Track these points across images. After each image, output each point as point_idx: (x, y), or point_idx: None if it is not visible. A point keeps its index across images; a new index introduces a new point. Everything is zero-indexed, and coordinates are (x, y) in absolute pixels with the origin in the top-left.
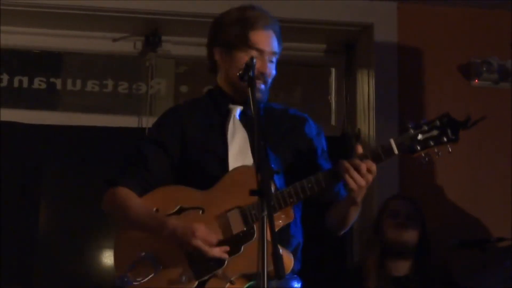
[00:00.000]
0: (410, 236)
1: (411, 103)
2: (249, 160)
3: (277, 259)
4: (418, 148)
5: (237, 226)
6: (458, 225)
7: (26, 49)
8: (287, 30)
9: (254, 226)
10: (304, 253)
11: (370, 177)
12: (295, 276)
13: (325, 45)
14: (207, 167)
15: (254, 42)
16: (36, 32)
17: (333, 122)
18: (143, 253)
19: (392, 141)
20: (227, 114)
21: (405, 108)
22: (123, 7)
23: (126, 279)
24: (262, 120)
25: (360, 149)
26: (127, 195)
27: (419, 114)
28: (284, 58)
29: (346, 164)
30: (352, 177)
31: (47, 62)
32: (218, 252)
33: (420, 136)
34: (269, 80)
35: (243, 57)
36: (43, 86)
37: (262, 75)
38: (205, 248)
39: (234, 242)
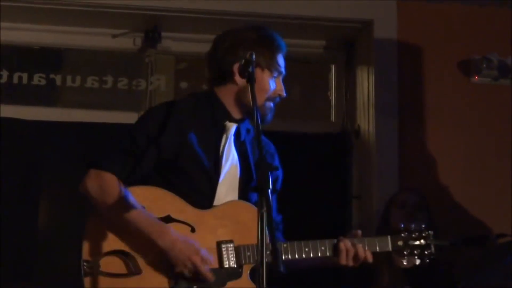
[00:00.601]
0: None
1: (411, 100)
2: (235, 186)
3: (276, 254)
4: (405, 252)
5: (229, 261)
6: (458, 222)
7: (26, 45)
8: (287, 27)
9: (243, 267)
10: None
11: (359, 263)
12: None
13: (324, 42)
14: (194, 181)
15: (279, 65)
16: (36, 28)
17: (332, 118)
18: (124, 250)
19: (389, 240)
20: (223, 130)
21: (404, 105)
22: (123, 3)
23: (96, 267)
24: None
25: (359, 234)
26: (117, 183)
27: (419, 111)
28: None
29: (348, 246)
30: (347, 259)
31: (47, 58)
32: (211, 276)
33: (411, 242)
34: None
35: (267, 78)
36: (43, 82)
37: (279, 97)
38: (203, 268)
39: (221, 275)
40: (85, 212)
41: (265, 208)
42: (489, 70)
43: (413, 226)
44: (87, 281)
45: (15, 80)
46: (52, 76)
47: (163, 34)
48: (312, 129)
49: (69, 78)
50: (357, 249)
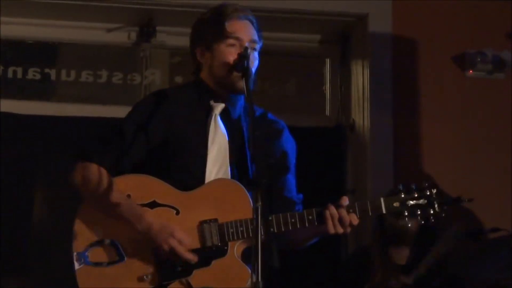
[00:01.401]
0: (408, 223)
1: (406, 94)
2: (226, 165)
3: (270, 248)
4: (406, 214)
5: (212, 239)
6: (453, 216)
7: (20, 39)
8: (282, 21)
9: (229, 244)
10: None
11: (349, 229)
12: None
13: (319, 36)
14: (185, 165)
15: (231, 31)
16: (30, 23)
17: (327, 112)
18: (109, 238)
19: (382, 200)
20: (209, 111)
21: (399, 99)
22: None
23: (84, 258)
24: (246, 119)
25: (346, 201)
26: (102, 173)
27: (414, 105)
28: (278, 48)
29: (333, 211)
30: (334, 225)
31: (41, 52)
32: (191, 256)
33: (409, 202)
34: (253, 69)
35: (223, 49)
36: (38, 76)
37: (244, 63)
38: (180, 249)
39: (204, 254)
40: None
41: (260, 203)
42: (483, 64)
43: (414, 185)
44: (78, 272)
45: (10, 74)
46: (46, 70)
47: (158, 28)
48: (307, 123)
49: (63, 72)
50: (340, 212)
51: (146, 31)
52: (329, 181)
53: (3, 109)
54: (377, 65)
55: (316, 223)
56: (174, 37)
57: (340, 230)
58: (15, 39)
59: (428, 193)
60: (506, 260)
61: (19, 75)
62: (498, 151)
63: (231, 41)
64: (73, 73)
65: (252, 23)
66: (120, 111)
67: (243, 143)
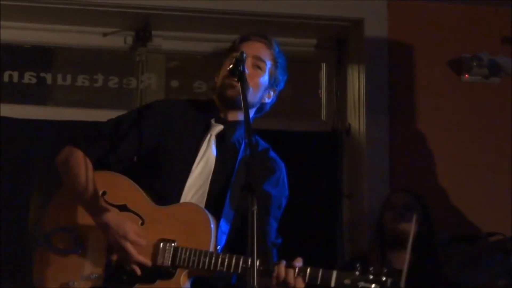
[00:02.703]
0: (407, 227)
1: (402, 99)
2: (204, 188)
3: (267, 253)
4: None
5: (163, 259)
6: (450, 220)
7: (16, 43)
8: (278, 25)
9: (178, 269)
10: (295, 247)
11: None
12: None
13: (315, 40)
14: (166, 176)
15: (237, 47)
16: (26, 27)
17: (323, 117)
18: (72, 226)
19: (334, 274)
20: (207, 130)
21: (395, 104)
22: (114, 2)
23: (46, 240)
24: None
25: (299, 262)
26: (84, 161)
27: (410, 109)
28: None
29: (280, 271)
30: (277, 283)
31: (38, 56)
32: (142, 259)
33: (360, 283)
34: (253, 88)
35: (226, 62)
36: (33, 80)
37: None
38: (132, 250)
39: (152, 271)
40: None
41: (255, 207)
42: (479, 69)
43: (372, 268)
44: (36, 253)
45: (6, 78)
46: (42, 74)
47: (154, 32)
48: (303, 128)
49: (59, 76)
50: (288, 274)
51: (142, 35)
52: (325, 186)
53: None
54: (373, 70)
55: (262, 276)
56: (170, 41)
57: None
58: (11, 43)
59: (383, 280)
60: (502, 264)
61: (15, 79)
62: (495, 156)
63: (234, 54)
64: (69, 77)
65: (269, 47)
66: (116, 115)
67: (232, 168)
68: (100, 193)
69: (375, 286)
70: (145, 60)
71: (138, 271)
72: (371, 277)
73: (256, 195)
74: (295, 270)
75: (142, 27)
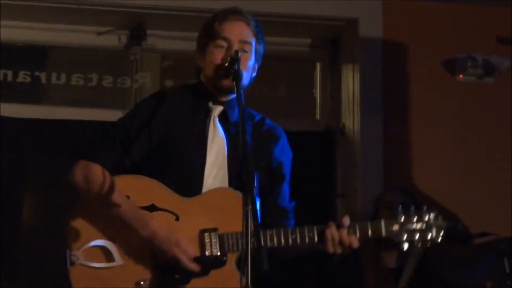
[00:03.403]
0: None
1: (396, 98)
2: (224, 170)
3: (260, 252)
4: (404, 238)
5: (212, 249)
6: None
7: (11, 42)
8: (273, 25)
9: (228, 255)
10: None
11: (348, 250)
12: None
13: (310, 40)
14: (182, 166)
15: (219, 32)
16: (21, 26)
17: (317, 116)
18: (106, 240)
19: (382, 223)
20: (208, 113)
21: (389, 103)
22: (108, 0)
23: (78, 257)
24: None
25: (347, 221)
26: (104, 174)
27: (404, 109)
28: (269, 52)
29: (333, 233)
30: (333, 245)
31: (32, 55)
32: (195, 266)
33: (408, 226)
34: (244, 71)
35: (211, 50)
36: (28, 79)
37: (232, 63)
38: (185, 259)
39: (203, 264)
40: (69, 208)
41: (250, 206)
42: (473, 69)
43: (412, 208)
44: (72, 271)
45: (0, 77)
46: (37, 73)
47: (148, 31)
48: (297, 127)
49: (54, 75)
50: (341, 234)
51: (137, 34)
52: (319, 185)
53: None
54: (367, 69)
55: (316, 241)
56: (164, 40)
57: (339, 250)
58: (5, 42)
59: (426, 218)
60: (495, 264)
61: (9, 78)
62: (489, 155)
63: (219, 41)
64: (63, 76)
65: (248, 24)
66: (110, 115)
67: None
68: (135, 204)
69: (421, 225)
70: (140, 59)
71: (196, 269)
72: (415, 218)
73: (250, 195)
74: (346, 228)
75: (137, 26)
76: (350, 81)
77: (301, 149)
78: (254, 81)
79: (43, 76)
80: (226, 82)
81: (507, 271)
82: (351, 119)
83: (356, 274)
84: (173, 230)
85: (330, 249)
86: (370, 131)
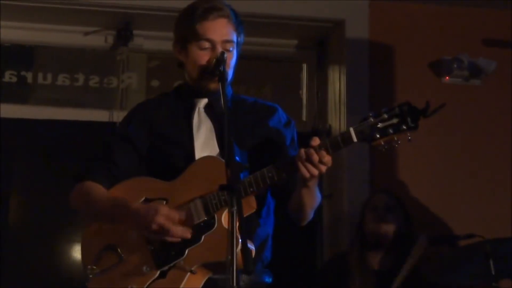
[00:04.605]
0: (388, 228)
1: (382, 100)
2: (214, 150)
3: (246, 254)
4: (377, 136)
5: (199, 216)
6: (429, 221)
7: None
8: (259, 26)
9: (215, 216)
10: (275, 247)
11: (322, 168)
12: (266, 270)
13: (296, 41)
14: (174, 159)
15: (202, 33)
16: (7, 25)
17: (304, 117)
18: (106, 244)
19: (351, 129)
20: (192, 106)
21: (376, 105)
22: (95, 1)
23: (93, 271)
24: (231, 113)
25: (316, 141)
26: (92, 187)
27: None
28: (255, 53)
29: (301, 153)
30: (305, 166)
31: (18, 55)
32: (181, 230)
33: (380, 124)
34: (229, 69)
35: (195, 51)
36: (14, 79)
37: (219, 65)
38: (169, 225)
39: (195, 232)
40: (55, 210)
41: (235, 207)
42: (460, 71)
43: (384, 108)
44: (90, 285)
45: None
46: (23, 73)
47: (135, 32)
48: None
49: (40, 75)
50: (308, 152)
51: (123, 34)
52: None
53: None
54: (354, 71)
55: (291, 170)
56: (151, 41)
57: (313, 170)
58: None
59: (398, 112)
60: (481, 266)
61: None
62: (475, 157)
63: (202, 43)
64: (49, 76)
65: (228, 19)
66: (96, 115)
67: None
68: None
69: (394, 119)
70: (126, 60)
71: (184, 233)
72: (385, 115)
73: (236, 195)
74: (314, 147)
75: (124, 27)
76: (337, 82)
77: None
78: (241, 81)
79: (29, 76)
80: (212, 85)
81: (493, 272)
82: (337, 120)
83: (342, 275)
84: (152, 205)
85: (305, 173)
86: None
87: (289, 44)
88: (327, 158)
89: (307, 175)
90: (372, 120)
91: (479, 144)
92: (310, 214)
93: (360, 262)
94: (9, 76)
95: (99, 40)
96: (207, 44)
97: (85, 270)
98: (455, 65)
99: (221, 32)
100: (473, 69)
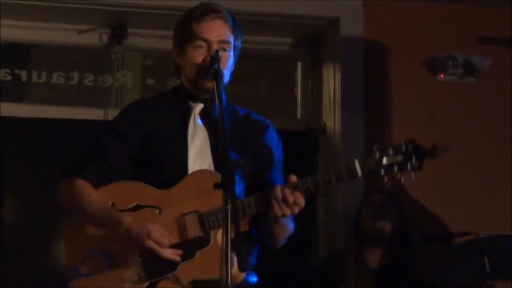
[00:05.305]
0: (385, 225)
1: (377, 98)
2: (208, 161)
3: (241, 251)
4: (382, 172)
5: (194, 231)
6: (423, 219)
7: None
8: (254, 24)
9: (211, 233)
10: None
11: (296, 209)
12: (250, 271)
13: (291, 39)
14: (166, 166)
15: (198, 32)
16: (1, 24)
17: (298, 116)
18: (96, 248)
19: (356, 162)
20: (188, 111)
21: (370, 103)
22: None
23: (76, 271)
24: (229, 118)
25: (293, 179)
26: (84, 187)
27: (385, 108)
28: (250, 51)
29: (276, 192)
30: (279, 206)
31: (12, 54)
32: (171, 254)
33: (385, 160)
34: (224, 70)
35: (191, 50)
36: (8, 78)
37: (213, 63)
38: (158, 249)
39: (189, 247)
40: (49, 209)
41: (229, 205)
42: (454, 68)
43: (389, 144)
44: (71, 286)
45: None
46: (17, 72)
47: (130, 30)
48: (278, 126)
49: (35, 74)
50: (285, 193)
51: (118, 33)
52: None
53: None
54: (349, 69)
55: (265, 205)
56: (146, 39)
57: (286, 210)
58: None
59: (404, 149)
60: (475, 263)
61: None
62: (469, 154)
63: (198, 42)
64: (44, 75)
65: (226, 22)
66: (91, 113)
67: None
68: (109, 205)
69: (399, 157)
70: (121, 58)
71: (174, 257)
72: (391, 151)
73: (231, 193)
74: (294, 184)
75: (118, 25)
76: (331, 80)
77: (282, 149)
78: (235, 80)
79: (24, 75)
80: (208, 83)
81: (488, 270)
82: (332, 118)
83: (338, 274)
84: (145, 223)
85: (276, 211)
86: (351, 130)
87: (284, 42)
88: (301, 200)
89: (279, 214)
90: (377, 154)
91: (474, 141)
92: (282, 242)
93: (357, 260)
94: (3, 75)
95: (94, 38)
96: (203, 43)
97: (67, 269)
98: (450, 63)
99: (218, 32)
100: (467, 67)
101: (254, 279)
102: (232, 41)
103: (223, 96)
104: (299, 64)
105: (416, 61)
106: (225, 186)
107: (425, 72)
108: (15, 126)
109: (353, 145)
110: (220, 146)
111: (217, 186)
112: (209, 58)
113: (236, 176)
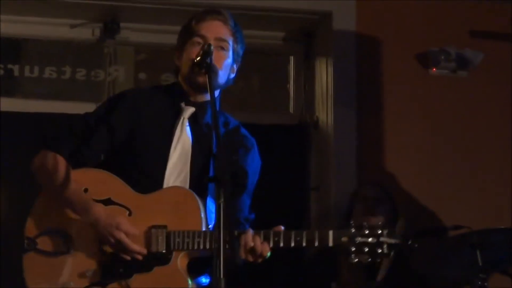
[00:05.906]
0: (377, 220)
1: (370, 92)
2: (185, 171)
3: (233, 245)
4: (353, 249)
5: (158, 245)
6: (416, 213)
7: None
8: (246, 18)
9: (173, 253)
10: None
11: (259, 260)
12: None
13: (283, 33)
14: (144, 166)
15: (196, 30)
16: None
17: (291, 110)
18: (58, 227)
19: (330, 233)
20: (179, 113)
21: (363, 97)
22: None
23: (33, 244)
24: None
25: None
26: (61, 164)
27: (378, 103)
28: None
29: (247, 240)
30: (245, 253)
31: (5, 48)
32: (138, 248)
33: (358, 239)
34: (219, 69)
35: (188, 47)
36: (1, 72)
37: (205, 59)
38: (127, 241)
39: (148, 259)
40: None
41: (222, 199)
42: (447, 62)
43: (365, 223)
44: (25, 257)
45: None
46: (10, 66)
47: (122, 24)
48: (271, 121)
49: (27, 68)
50: (255, 241)
51: (110, 27)
52: (292, 179)
53: None
54: (341, 63)
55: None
56: (138, 33)
57: (251, 259)
58: None
59: (378, 232)
60: (468, 257)
61: None
62: (462, 148)
63: (195, 39)
64: (36, 69)
65: (226, 23)
66: (83, 108)
67: (209, 147)
68: (82, 190)
69: (372, 239)
70: (113, 52)
71: (140, 250)
72: (366, 231)
73: (223, 187)
74: (260, 236)
75: (110, 19)
76: (324, 75)
77: (275, 143)
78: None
79: (16, 69)
80: (201, 78)
81: (480, 263)
82: (324, 113)
83: (331, 269)
84: (114, 215)
85: (244, 256)
86: (343, 125)
87: (276, 37)
88: (267, 252)
89: (243, 257)
90: (352, 231)
91: (466, 135)
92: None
93: (346, 256)
94: None
95: (86, 33)
96: (200, 40)
97: (26, 240)
98: (442, 57)
99: (215, 30)
100: (460, 60)
101: (206, 280)
102: (230, 42)
103: (217, 103)
104: (292, 58)
105: (409, 55)
106: (218, 180)
107: (418, 66)
108: (7, 121)
109: (345, 139)
110: (215, 141)
111: (210, 179)
112: (201, 52)
113: (208, 199)
